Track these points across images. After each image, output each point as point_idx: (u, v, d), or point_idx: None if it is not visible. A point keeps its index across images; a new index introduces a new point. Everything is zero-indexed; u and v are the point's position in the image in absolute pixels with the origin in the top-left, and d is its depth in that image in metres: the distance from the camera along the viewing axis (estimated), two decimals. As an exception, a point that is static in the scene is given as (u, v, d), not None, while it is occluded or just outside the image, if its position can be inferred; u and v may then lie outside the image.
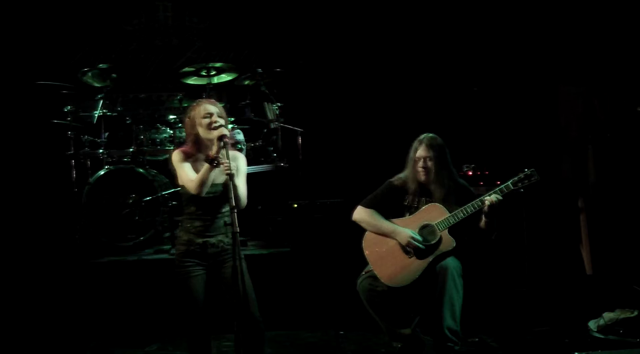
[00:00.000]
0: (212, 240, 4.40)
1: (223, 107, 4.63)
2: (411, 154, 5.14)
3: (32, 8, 8.39)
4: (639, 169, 6.80)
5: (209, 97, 7.34)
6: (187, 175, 4.36)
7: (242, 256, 4.47)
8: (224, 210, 4.43)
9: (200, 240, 4.39)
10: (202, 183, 4.28)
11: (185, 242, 4.42)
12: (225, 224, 4.37)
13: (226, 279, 4.39)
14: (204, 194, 4.32)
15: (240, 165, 4.49)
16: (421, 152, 5.07)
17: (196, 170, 4.35)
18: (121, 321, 6.17)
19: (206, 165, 4.26)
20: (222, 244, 4.43)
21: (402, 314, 5.08)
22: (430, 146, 5.06)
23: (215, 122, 4.34)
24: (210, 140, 4.35)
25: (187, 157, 4.43)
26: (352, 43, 8.65)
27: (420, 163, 5.05)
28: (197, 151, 4.42)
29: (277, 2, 8.80)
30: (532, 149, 7.42)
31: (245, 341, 4.40)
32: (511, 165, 5.20)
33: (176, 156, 4.44)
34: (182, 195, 4.48)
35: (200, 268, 4.41)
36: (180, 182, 4.42)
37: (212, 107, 4.41)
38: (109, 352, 5.84)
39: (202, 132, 4.38)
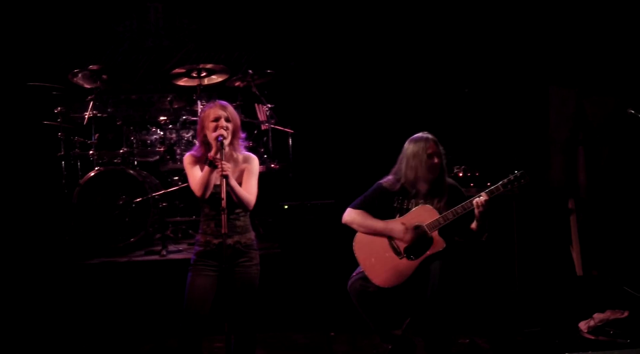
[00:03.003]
0: (229, 241, 4.39)
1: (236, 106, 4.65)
2: (420, 151, 5.03)
3: (23, 9, 8.37)
4: (630, 170, 6.83)
5: (199, 98, 7.36)
6: (194, 177, 4.41)
7: (257, 261, 4.53)
8: (237, 210, 4.44)
9: (217, 241, 4.40)
10: (204, 185, 4.32)
11: (202, 243, 4.46)
12: (215, 226, 4.40)
13: (236, 282, 4.42)
14: (207, 196, 4.35)
15: (252, 166, 4.54)
16: (433, 148, 5.04)
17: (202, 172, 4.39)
18: (112, 323, 6.15)
19: (206, 167, 4.31)
20: (238, 245, 4.44)
21: (393, 315, 5.08)
22: (437, 143, 5.09)
23: (222, 126, 4.36)
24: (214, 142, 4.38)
25: (196, 160, 4.49)
26: (343, 44, 8.67)
27: (435, 160, 5.03)
28: (205, 152, 4.43)
29: (268, 4, 8.81)
30: (523, 150, 7.43)
31: (236, 344, 4.41)
32: (502, 166, 5.20)
33: (186, 159, 4.52)
34: (197, 197, 4.48)
35: (213, 269, 4.42)
36: (190, 185, 4.45)
37: (221, 111, 4.42)
38: (99, 354, 5.85)
39: (209, 135, 4.41)
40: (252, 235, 4.55)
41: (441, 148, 5.08)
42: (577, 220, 6.94)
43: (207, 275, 4.41)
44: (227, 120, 4.40)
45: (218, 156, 4.27)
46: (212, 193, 4.36)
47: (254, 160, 4.58)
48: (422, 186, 5.07)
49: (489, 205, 4.80)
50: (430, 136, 5.13)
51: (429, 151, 5.05)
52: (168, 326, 6.01)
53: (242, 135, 4.59)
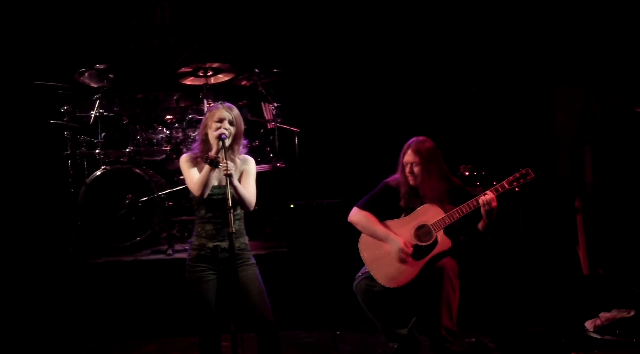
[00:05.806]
0: (224, 244, 4.36)
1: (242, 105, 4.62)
2: (400, 158, 5.13)
3: (30, 8, 8.39)
4: (636, 169, 6.81)
5: (205, 97, 7.37)
6: (192, 177, 4.37)
7: (254, 261, 4.49)
8: (235, 212, 4.41)
9: (211, 244, 4.38)
10: (203, 184, 4.27)
11: (196, 247, 4.42)
12: (212, 228, 4.40)
13: (239, 280, 4.36)
14: (206, 196, 4.31)
15: (249, 167, 4.51)
16: (408, 157, 5.04)
17: (201, 172, 4.36)
18: (118, 322, 6.17)
19: (206, 166, 4.26)
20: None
21: (399, 314, 5.08)
22: (417, 151, 5.02)
23: (224, 127, 4.33)
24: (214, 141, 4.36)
25: (193, 160, 4.45)
26: (349, 43, 8.66)
27: (407, 169, 5.04)
28: (204, 151, 4.41)
29: (274, 3, 8.81)
30: (529, 149, 7.42)
31: (261, 345, 4.41)
32: (508, 165, 5.19)
33: (183, 160, 4.47)
34: (192, 199, 4.46)
35: (212, 272, 4.40)
36: (188, 185, 4.43)
37: (227, 113, 4.38)
38: (106, 353, 5.84)
39: (210, 133, 4.38)
40: (245, 239, 4.52)
41: (419, 157, 5.00)
42: (584, 219, 6.92)
43: (208, 281, 4.39)
44: (231, 123, 4.37)
45: (219, 155, 4.27)
46: (209, 195, 4.34)
47: (251, 161, 4.56)
48: (420, 190, 5.06)
49: (494, 203, 4.79)
50: (412, 141, 5.12)
51: (403, 159, 5.09)
52: (174, 325, 6.04)
53: (244, 141, 4.55)
